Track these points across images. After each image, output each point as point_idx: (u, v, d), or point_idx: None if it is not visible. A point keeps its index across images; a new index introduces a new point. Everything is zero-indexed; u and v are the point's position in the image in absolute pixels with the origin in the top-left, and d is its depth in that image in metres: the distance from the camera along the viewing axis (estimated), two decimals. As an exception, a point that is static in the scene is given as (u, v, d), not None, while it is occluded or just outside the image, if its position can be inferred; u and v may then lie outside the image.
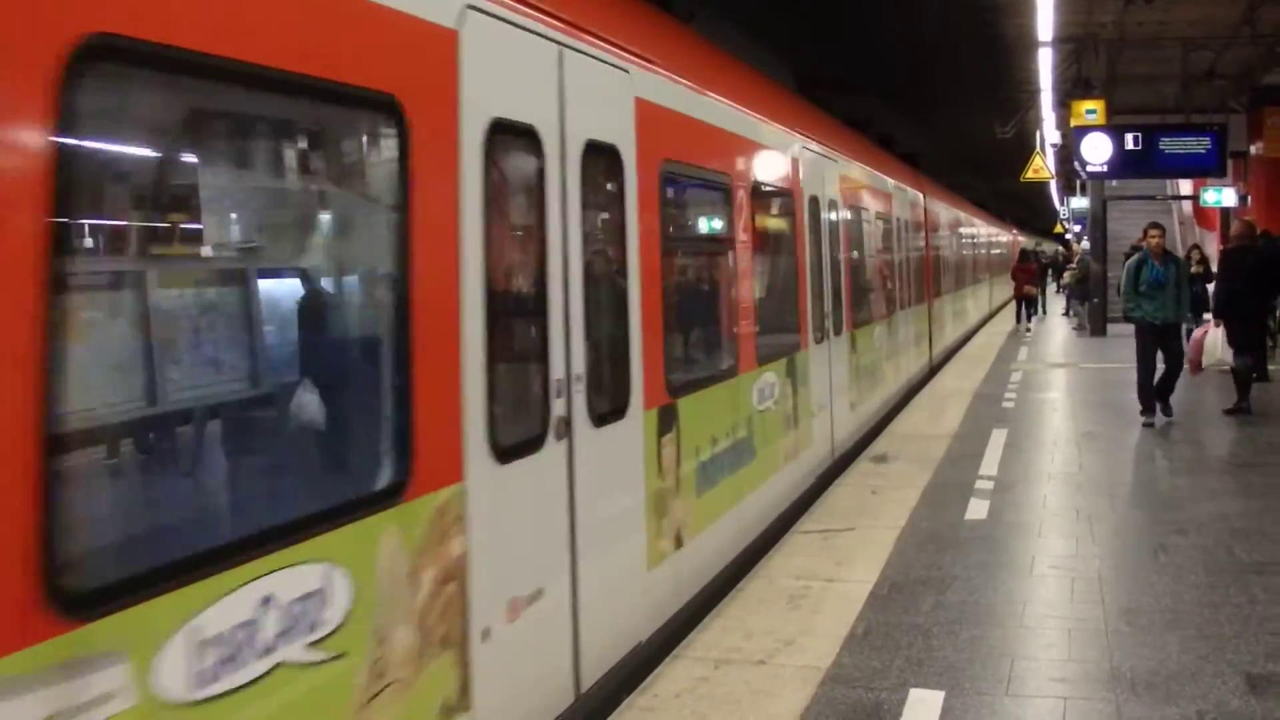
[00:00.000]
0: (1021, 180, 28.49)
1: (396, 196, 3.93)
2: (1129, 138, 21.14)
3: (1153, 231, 12.57)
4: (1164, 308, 12.21)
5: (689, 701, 5.18)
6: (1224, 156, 21.23)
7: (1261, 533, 7.92)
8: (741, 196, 8.08)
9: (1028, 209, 61.23)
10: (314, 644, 3.39)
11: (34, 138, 2.60)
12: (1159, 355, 12.47)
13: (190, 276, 4.39)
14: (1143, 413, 12.54)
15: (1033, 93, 24.85)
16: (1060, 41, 19.91)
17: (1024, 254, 34.12)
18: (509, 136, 4.71)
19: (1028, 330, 28.46)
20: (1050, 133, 29.11)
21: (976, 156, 36.51)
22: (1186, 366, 13.06)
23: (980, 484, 9.67)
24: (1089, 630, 6.04)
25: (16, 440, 2.54)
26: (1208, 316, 14.19)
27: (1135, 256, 12.75)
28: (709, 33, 8.63)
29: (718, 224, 8.22)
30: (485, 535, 4.32)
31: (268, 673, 3.20)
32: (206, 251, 4.38)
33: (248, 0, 3.26)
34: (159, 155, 3.92)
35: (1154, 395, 12.54)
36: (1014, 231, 51.21)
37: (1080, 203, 36.04)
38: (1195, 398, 14.23)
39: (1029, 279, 30.63)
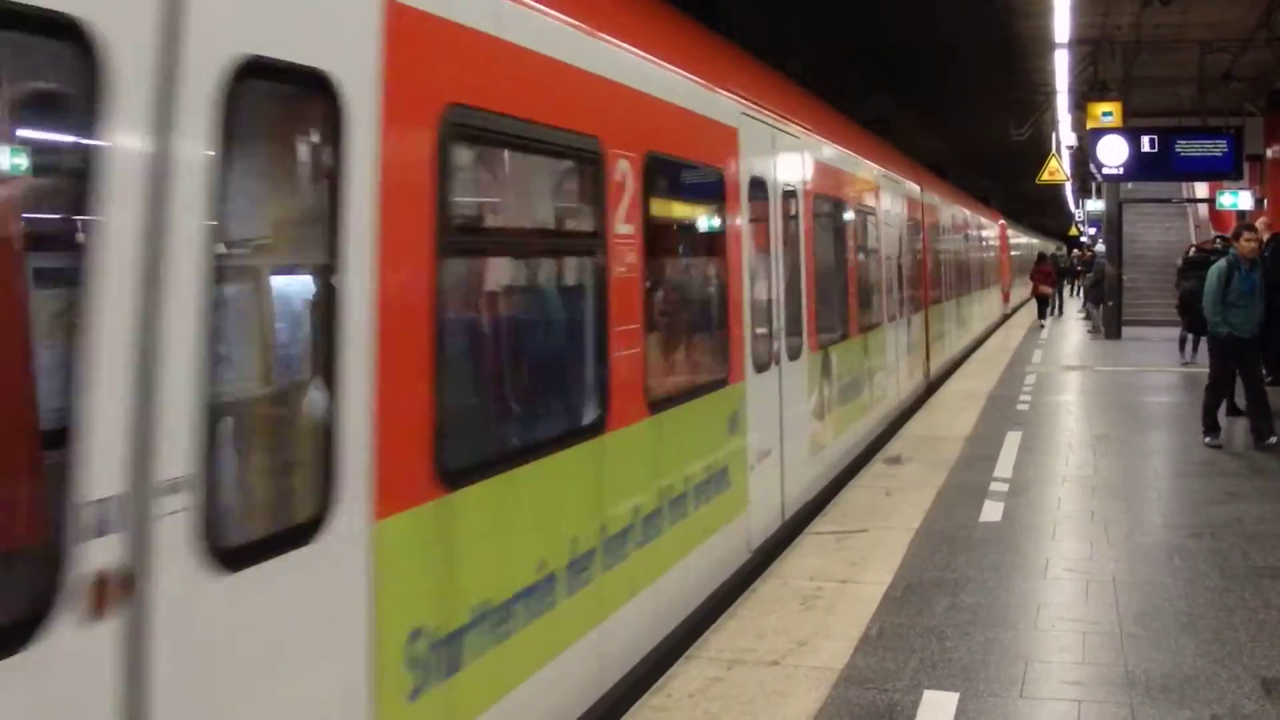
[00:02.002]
0: (1037, 182, 28.43)
1: None
2: (1145, 140, 21.07)
3: (1248, 235, 11.51)
4: (1249, 320, 11.19)
5: (702, 702, 5.19)
6: (1240, 159, 21.16)
7: (1277, 537, 7.90)
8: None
9: (1043, 212, 60.98)
10: None
11: None
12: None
13: None
14: (1206, 432, 11.55)
15: (1048, 95, 24.80)
16: (1077, 43, 19.86)
17: (1041, 257, 36.88)
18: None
19: (1042, 325, 30.82)
20: (1066, 135, 29.03)
21: (991, 159, 36.41)
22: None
23: (995, 486, 9.65)
24: (1103, 633, 6.02)
25: None
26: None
27: (1222, 262, 11.41)
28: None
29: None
30: None
31: None
32: None
33: None
34: None
35: (1217, 414, 11.64)
36: (999, 221, 34.70)
37: (1096, 205, 35.98)
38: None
39: (1045, 280, 33.48)
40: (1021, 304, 41.08)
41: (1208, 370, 12.21)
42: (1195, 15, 17.73)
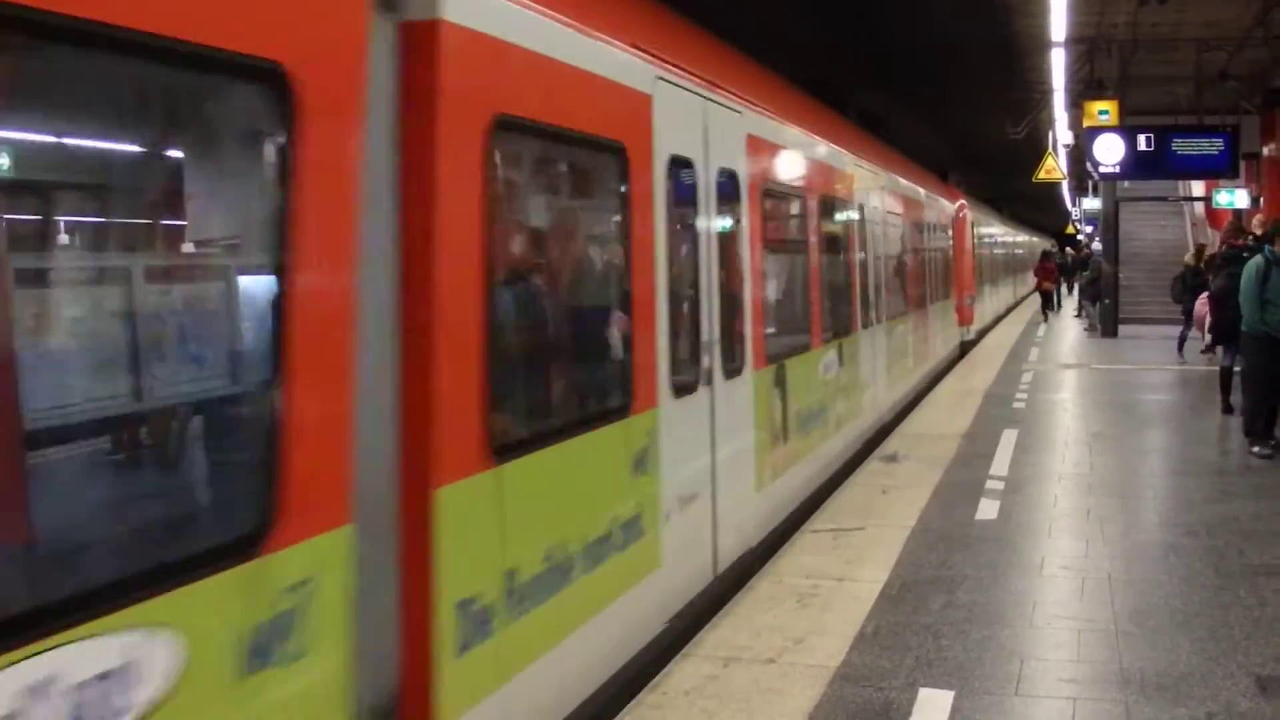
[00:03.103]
0: (1034, 180, 28.43)
1: None
2: (1141, 139, 21.07)
3: None
4: None
5: (698, 699, 5.20)
6: (1236, 158, 21.15)
7: (1272, 534, 7.92)
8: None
9: (1040, 209, 60.98)
10: None
11: None
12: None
13: None
14: (1254, 443, 10.97)
15: (1045, 93, 24.78)
16: (1073, 42, 19.85)
17: (1045, 254, 38.73)
18: None
19: (1044, 321, 31.73)
20: (1063, 133, 29.03)
21: (989, 156, 36.43)
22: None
23: (991, 484, 9.66)
24: (1099, 631, 6.04)
25: None
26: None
27: (1259, 259, 11.08)
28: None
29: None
30: None
31: None
32: None
33: None
34: None
35: (1267, 421, 11.04)
36: (958, 204, 23.51)
37: (1092, 203, 36.06)
38: (1202, 397, 14.22)
39: (1048, 276, 34.73)
40: (999, 318, 33.56)
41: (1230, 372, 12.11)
42: (1191, 14, 17.74)
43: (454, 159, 4.03)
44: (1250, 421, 11.17)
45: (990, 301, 31.24)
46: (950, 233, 21.67)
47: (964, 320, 23.36)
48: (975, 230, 26.14)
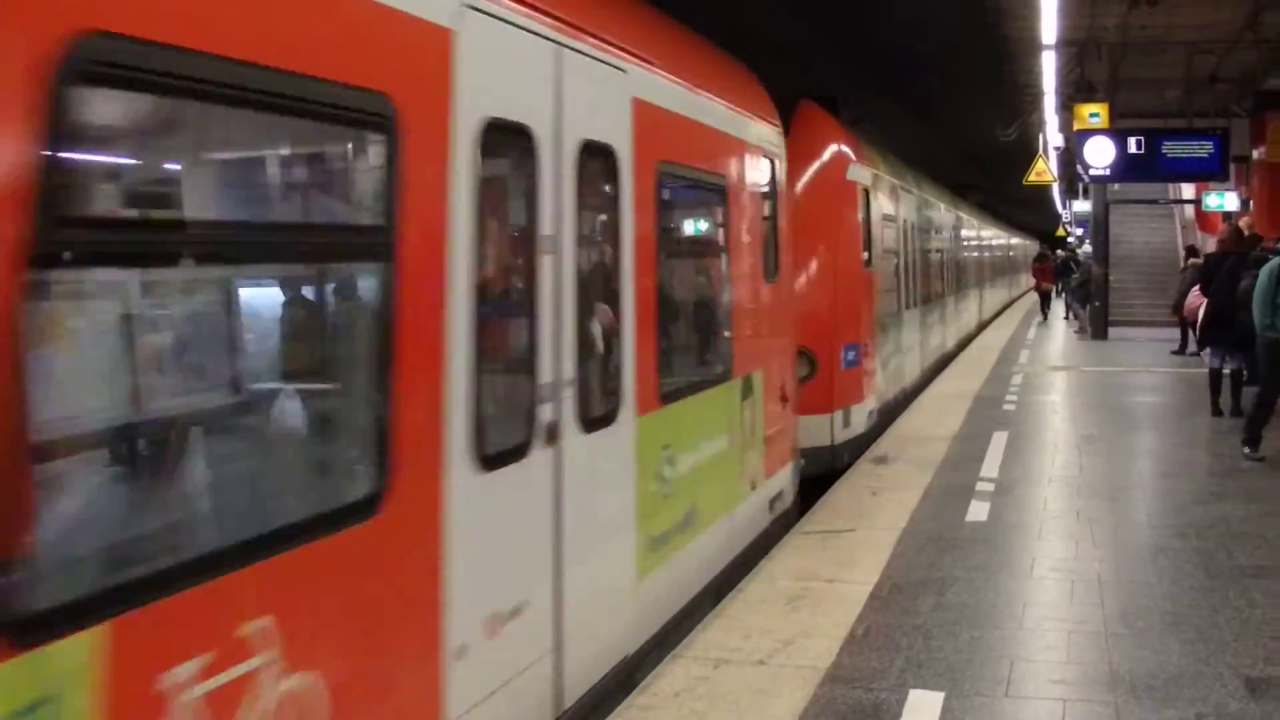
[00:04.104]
0: (1024, 183, 28.49)
1: None
2: (1131, 141, 21.15)
3: None
4: None
5: (688, 701, 5.19)
6: (1226, 161, 21.23)
7: (1261, 536, 7.93)
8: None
9: (1032, 210, 61.11)
10: None
11: None
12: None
13: None
14: (1246, 444, 10.85)
15: (1036, 96, 24.85)
16: (1064, 44, 19.92)
17: (1042, 255, 39.17)
18: None
19: (1042, 321, 32.57)
20: (1053, 136, 29.10)
21: (979, 159, 36.49)
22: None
23: (981, 486, 9.67)
24: (1088, 632, 6.04)
25: None
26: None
27: (1276, 261, 10.83)
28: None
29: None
30: None
31: None
32: None
33: None
34: None
35: (1263, 427, 10.87)
36: (835, 150, 12.05)
37: (1083, 206, 36.19)
38: (1191, 399, 14.26)
39: (1046, 276, 35.95)
40: (940, 364, 19.78)
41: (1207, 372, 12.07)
42: (1181, 17, 17.81)
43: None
44: (1250, 425, 11.03)
45: (919, 344, 17.65)
46: (773, 211, 8.73)
47: (825, 403, 11.23)
48: (893, 216, 14.85)
